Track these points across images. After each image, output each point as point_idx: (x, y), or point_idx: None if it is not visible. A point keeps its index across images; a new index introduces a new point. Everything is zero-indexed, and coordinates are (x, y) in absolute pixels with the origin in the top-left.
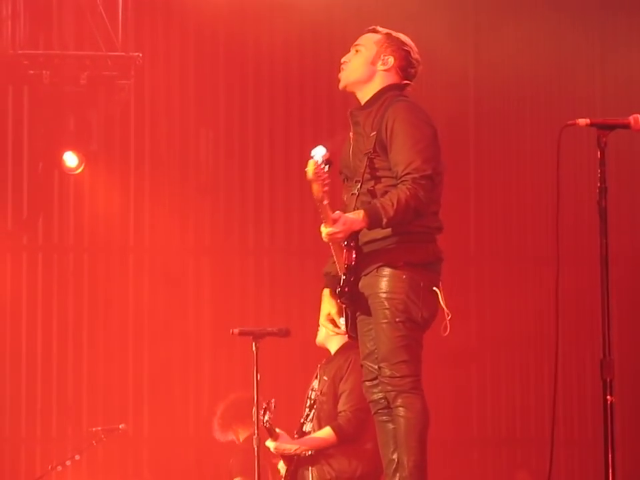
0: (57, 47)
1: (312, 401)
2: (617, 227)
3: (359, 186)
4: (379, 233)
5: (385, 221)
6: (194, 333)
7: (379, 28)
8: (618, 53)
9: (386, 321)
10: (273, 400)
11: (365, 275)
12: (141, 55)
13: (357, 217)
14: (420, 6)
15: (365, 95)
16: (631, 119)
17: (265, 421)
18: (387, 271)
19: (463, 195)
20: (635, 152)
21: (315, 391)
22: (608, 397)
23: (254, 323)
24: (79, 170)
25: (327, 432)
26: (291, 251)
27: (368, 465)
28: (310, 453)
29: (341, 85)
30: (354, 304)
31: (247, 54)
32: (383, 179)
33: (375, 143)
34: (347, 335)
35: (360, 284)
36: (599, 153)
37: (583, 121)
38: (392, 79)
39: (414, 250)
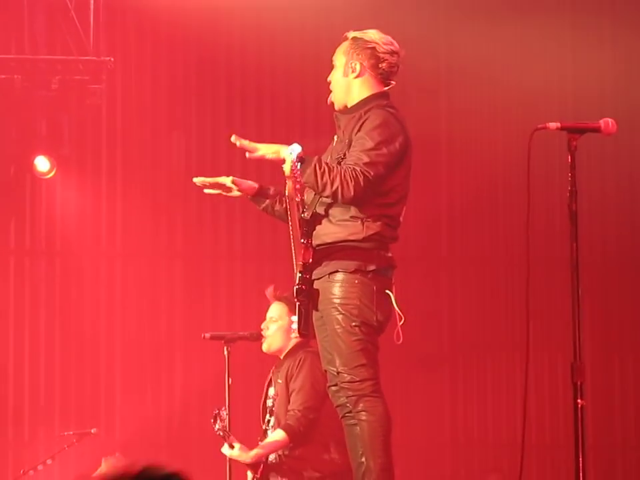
0: (28, 52)
1: (270, 407)
2: (588, 230)
3: None
4: (330, 237)
5: (307, 168)
6: (166, 337)
7: (348, 34)
8: (589, 54)
9: (340, 326)
10: (223, 408)
11: (318, 279)
12: (112, 59)
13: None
14: (392, 6)
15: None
16: (601, 122)
17: (216, 429)
18: (339, 276)
19: (435, 197)
20: (605, 155)
21: (271, 397)
22: (578, 401)
23: (226, 328)
24: (51, 174)
25: (278, 434)
26: (263, 256)
27: (337, 462)
28: (274, 459)
29: (335, 107)
30: (309, 302)
31: (219, 57)
32: None
33: (346, 149)
34: (298, 334)
35: (315, 282)
36: (569, 156)
37: (553, 125)
38: (369, 83)
39: (366, 256)
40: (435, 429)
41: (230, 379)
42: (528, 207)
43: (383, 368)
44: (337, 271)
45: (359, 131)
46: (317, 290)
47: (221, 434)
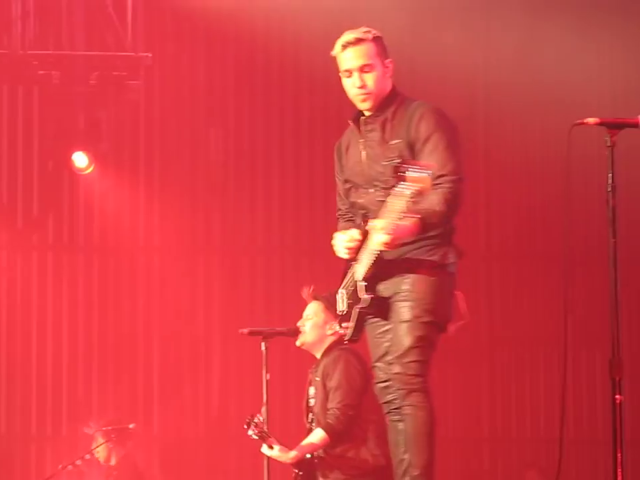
0: (66, 47)
1: (312, 407)
2: (628, 226)
3: (381, 192)
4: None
5: (429, 227)
6: (204, 332)
7: (366, 35)
8: (627, 52)
9: (409, 319)
10: (258, 415)
11: (390, 278)
12: (150, 54)
13: (406, 224)
14: (429, 8)
15: (377, 105)
16: None
17: (250, 434)
18: (412, 275)
19: (473, 195)
20: None
21: (312, 397)
22: (617, 396)
23: (263, 323)
24: (89, 170)
25: (317, 433)
26: (301, 250)
27: (379, 457)
28: (314, 457)
29: (369, 107)
30: (373, 309)
31: (257, 53)
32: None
33: (401, 150)
34: (348, 341)
35: (381, 287)
36: (608, 152)
37: (592, 120)
38: (389, 81)
39: (438, 251)
40: (473, 425)
41: (268, 375)
42: (567, 203)
43: None
44: (412, 269)
45: (413, 132)
46: (382, 297)
47: (256, 437)
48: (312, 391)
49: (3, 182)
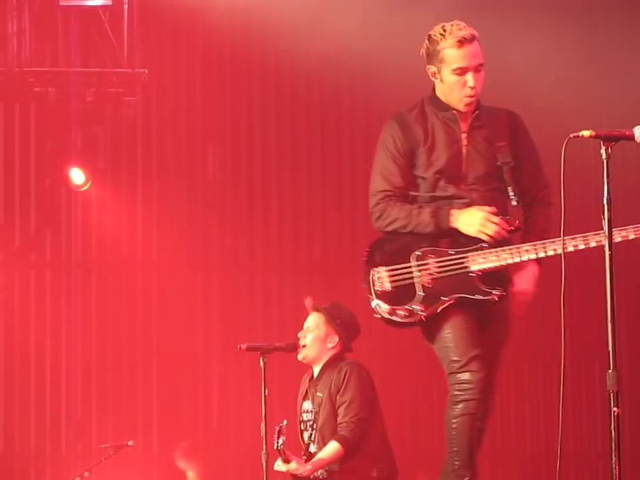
0: (62, 64)
1: (311, 422)
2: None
3: (481, 190)
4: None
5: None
6: (202, 349)
7: (472, 32)
8: (622, 62)
9: (504, 342)
10: (285, 421)
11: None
12: (146, 71)
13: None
14: (422, 15)
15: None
16: (635, 130)
17: (278, 445)
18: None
19: None
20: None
21: (309, 411)
22: (614, 409)
23: (262, 339)
24: (86, 187)
25: (332, 446)
26: (299, 267)
27: (383, 470)
28: (321, 473)
29: (469, 110)
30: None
31: (254, 69)
32: (507, 188)
33: (510, 154)
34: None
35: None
36: (603, 165)
37: (587, 133)
38: None
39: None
40: None
41: (266, 390)
42: (562, 215)
43: (419, 378)
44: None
45: (521, 143)
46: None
47: (281, 449)
48: (307, 405)
49: None
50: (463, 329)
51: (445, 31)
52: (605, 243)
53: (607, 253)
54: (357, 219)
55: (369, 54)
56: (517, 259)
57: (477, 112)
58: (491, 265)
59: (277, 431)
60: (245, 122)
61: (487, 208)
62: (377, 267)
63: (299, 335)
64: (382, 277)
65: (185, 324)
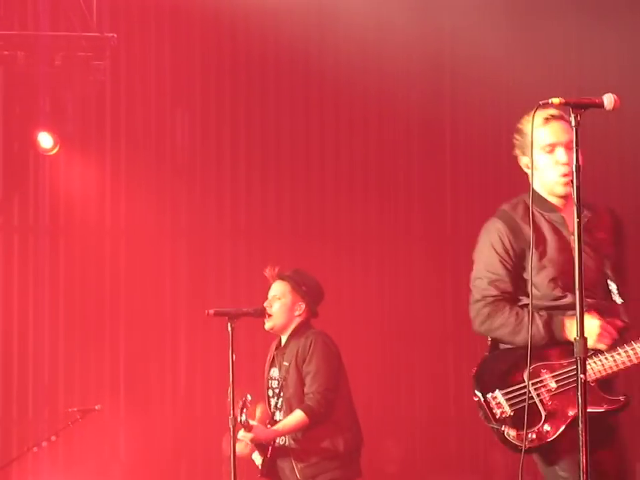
0: (31, 28)
1: (277, 389)
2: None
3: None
4: None
5: None
6: (170, 314)
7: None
8: (593, 32)
9: None
10: (248, 395)
11: None
12: (115, 35)
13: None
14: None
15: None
16: (604, 97)
17: (241, 420)
18: None
19: (440, 177)
20: (609, 131)
21: (275, 379)
22: (581, 376)
23: (230, 305)
24: (54, 151)
25: (297, 415)
26: (267, 232)
27: (349, 440)
28: (285, 442)
29: (567, 193)
30: None
31: (223, 33)
32: (611, 286)
33: (614, 253)
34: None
35: None
36: (573, 132)
37: (556, 101)
38: None
39: None
40: (440, 407)
41: (234, 356)
42: (532, 184)
43: (386, 346)
44: None
45: (623, 244)
46: None
47: (244, 423)
48: (274, 372)
49: None
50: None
51: (529, 115)
52: (575, 209)
53: (576, 220)
54: (326, 183)
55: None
56: (634, 360)
57: (585, 214)
58: (609, 371)
59: (240, 405)
60: (214, 86)
61: (595, 315)
62: (489, 391)
63: (265, 304)
64: (500, 402)
65: (153, 289)
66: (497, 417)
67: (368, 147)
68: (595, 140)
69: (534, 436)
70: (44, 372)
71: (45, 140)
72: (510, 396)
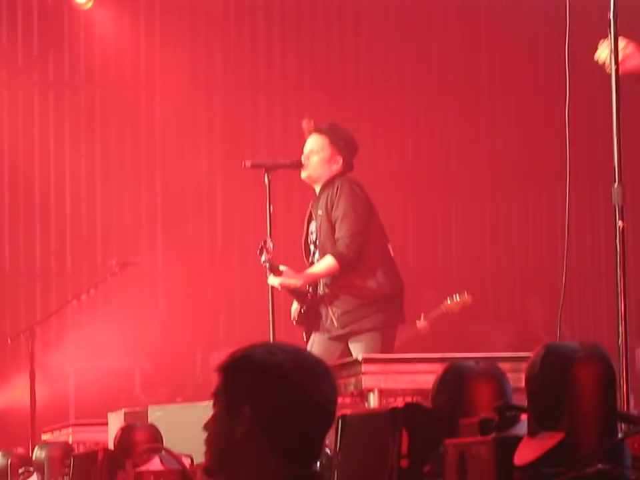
0: None
1: (314, 241)
2: None
3: None
4: None
5: None
6: (206, 167)
7: None
8: None
9: None
10: (268, 239)
11: None
12: None
13: None
14: None
15: None
16: None
17: (262, 262)
18: None
19: (475, 32)
20: None
21: (313, 232)
22: (619, 223)
23: (266, 157)
24: (89, 5)
25: (327, 260)
26: (303, 84)
27: (384, 284)
28: (320, 289)
29: None
30: None
31: None
32: None
33: None
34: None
35: None
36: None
37: None
38: None
39: None
40: (477, 257)
41: (271, 207)
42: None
43: (422, 197)
44: None
45: None
46: None
47: (268, 265)
48: (313, 226)
49: (2, 20)
50: None
51: None
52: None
53: (613, 67)
54: (361, 34)
55: None
56: None
57: None
58: None
59: (259, 248)
60: None
61: None
62: None
63: (302, 158)
64: None
65: (188, 143)
66: None
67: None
68: None
69: None
70: (81, 226)
71: None
72: None
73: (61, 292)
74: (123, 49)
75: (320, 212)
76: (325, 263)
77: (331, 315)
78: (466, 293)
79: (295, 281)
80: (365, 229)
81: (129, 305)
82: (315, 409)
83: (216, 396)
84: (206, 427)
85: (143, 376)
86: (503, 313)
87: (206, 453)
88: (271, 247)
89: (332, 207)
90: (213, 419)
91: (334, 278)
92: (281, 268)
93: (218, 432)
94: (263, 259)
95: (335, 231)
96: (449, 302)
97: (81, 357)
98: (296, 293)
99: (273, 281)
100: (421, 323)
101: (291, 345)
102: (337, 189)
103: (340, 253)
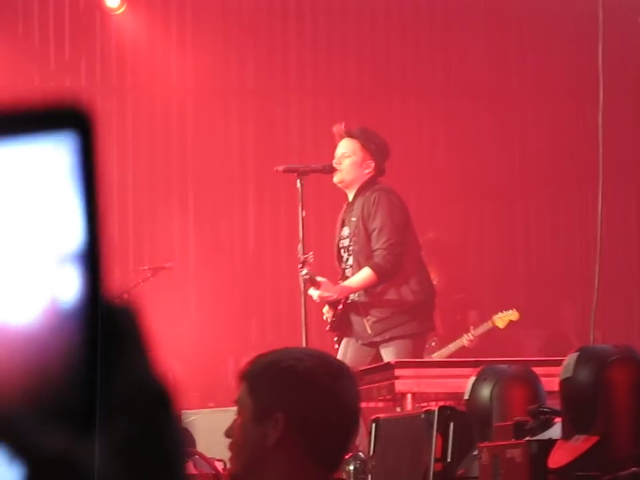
0: None
1: (349, 246)
2: None
3: None
4: None
5: None
6: (238, 172)
7: None
8: None
9: None
10: (311, 253)
11: None
12: None
13: None
14: None
15: None
16: None
17: (303, 275)
18: None
19: (507, 32)
20: None
21: (346, 237)
22: None
23: (298, 161)
24: (121, 10)
25: (365, 272)
26: (334, 89)
27: (418, 292)
28: (354, 296)
29: None
30: None
31: None
32: None
33: None
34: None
35: None
36: None
37: None
38: None
39: None
40: (508, 261)
41: (304, 212)
42: (600, 121)
43: (456, 197)
44: None
45: None
46: None
47: (308, 277)
48: (346, 231)
49: (34, 26)
50: None
51: None
52: None
53: None
54: (392, 38)
55: None
56: None
57: None
58: None
59: (301, 262)
60: None
61: None
62: None
63: (334, 162)
64: None
65: (220, 148)
66: None
67: (434, 5)
68: None
69: None
70: (114, 231)
71: None
72: None
73: None
74: (155, 54)
75: (354, 218)
76: (362, 275)
77: (365, 322)
78: (514, 310)
79: (333, 294)
80: (403, 239)
81: (160, 311)
82: (345, 413)
83: (240, 402)
84: (229, 433)
85: (174, 381)
86: (535, 318)
87: (232, 459)
88: (311, 260)
89: (368, 216)
90: (240, 426)
91: (371, 287)
92: (319, 279)
93: (246, 439)
94: (304, 272)
95: (371, 241)
96: (496, 318)
97: None
98: (330, 301)
99: (313, 293)
100: (469, 338)
101: (312, 350)
102: (375, 200)
103: (378, 265)
